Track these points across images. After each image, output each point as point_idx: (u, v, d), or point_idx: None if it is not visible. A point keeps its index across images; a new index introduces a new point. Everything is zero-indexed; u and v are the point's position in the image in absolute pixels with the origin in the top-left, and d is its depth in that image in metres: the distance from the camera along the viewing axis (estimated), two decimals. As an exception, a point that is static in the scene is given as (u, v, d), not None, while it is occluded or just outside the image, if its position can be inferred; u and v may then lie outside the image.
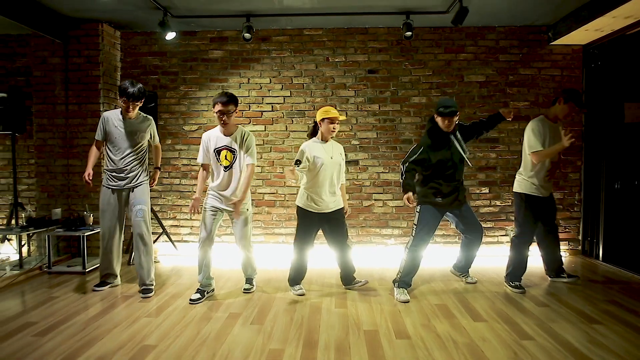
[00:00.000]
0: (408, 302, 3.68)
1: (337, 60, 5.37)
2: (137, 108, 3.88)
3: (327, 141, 3.76)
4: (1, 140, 5.62)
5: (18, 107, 5.17)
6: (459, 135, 3.76)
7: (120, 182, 3.88)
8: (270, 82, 5.43)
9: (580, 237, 5.37)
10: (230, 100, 3.54)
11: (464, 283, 4.22)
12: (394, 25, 5.17)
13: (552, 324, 3.19)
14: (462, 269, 4.28)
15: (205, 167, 3.74)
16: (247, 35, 4.84)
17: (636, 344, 2.86)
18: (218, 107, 3.52)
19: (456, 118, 3.67)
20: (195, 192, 3.83)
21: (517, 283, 3.99)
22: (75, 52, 5.12)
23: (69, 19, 5.01)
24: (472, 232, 3.98)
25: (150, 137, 4.01)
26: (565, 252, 5.32)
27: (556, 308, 3.54)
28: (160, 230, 5.36)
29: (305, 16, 4.90)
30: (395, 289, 3.84)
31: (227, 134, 3.64)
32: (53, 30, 4.93)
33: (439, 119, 3.69)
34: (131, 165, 3.87)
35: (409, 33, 4.74)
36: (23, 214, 5.04)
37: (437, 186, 3.72)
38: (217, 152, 3.64)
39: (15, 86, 5.47)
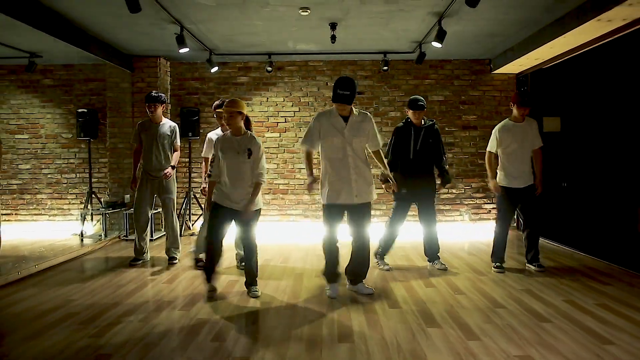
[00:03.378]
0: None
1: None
2: (158, 110, 5.04)
3: (234, 134, 3.77)
4: (78, 144, 7.34)
5: (93, 120, 6.95)
6: (425, 133, 4.51)
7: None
8: (284, 101, 7.22)
9: (515, 217, 7.21)
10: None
11: (434, 268, 4.77)
12: (376, 59, 6.97)
13: (477, 264, 5.02)
14: (430, 257, 4.79)
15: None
16: (269, 68, 6.65)
17: (520, 275, 4.70)
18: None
19: (423, 113, 4.54)
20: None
21: (498, 263, 4.65)
22: (139, 79, 6.88)
23: (135, 55, 6.78)
24: (425, 223, 4.70)
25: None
26: (504, 228, 7.16)
27: (483, 257, 5.36)
28: (200, 212, 7.12)
29: (311, 54, 6.72)
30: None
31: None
32: (123, 63, 6.69)
33: (410, 112, 4.53)
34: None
35: (385, 67, 6.59)
36: (102, 199, 6.79)
37: (402, 180, 4.51)
38: None
39: (90, 104, 7.22)
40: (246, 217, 3.71)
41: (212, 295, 3.87)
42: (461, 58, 7.12)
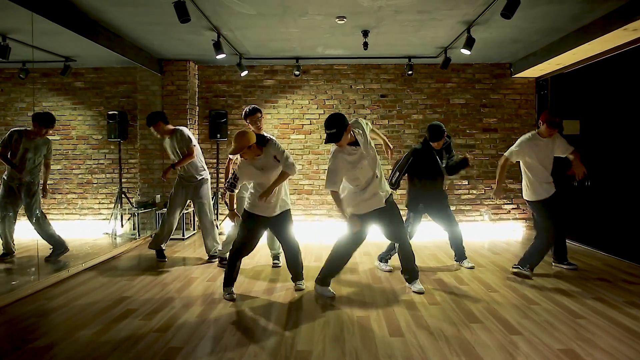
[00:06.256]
0: None
1: (357, 87, 7.36)
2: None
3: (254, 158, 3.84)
4: (108, 145, 7.55)
5: (123, 121, 7.16)
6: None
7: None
8: (309, 103, 7.41)
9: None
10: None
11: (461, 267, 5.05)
12: (400, 63, 7.15)
13: (503, 262, 5.21)
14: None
15: None
16: (297, 72, 6.83)
17: (548, 274, 4.88)
18: None
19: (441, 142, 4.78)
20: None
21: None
22: (169, 82, 7.08)
23: (165, 59, 6.97)
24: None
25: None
26: (523, 227, 7.34)
27: (507, 256, 5.54)
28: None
29: (337, 59, 6.90)
30: None
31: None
32: (154, 66, 6.89)
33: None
34: None
35: (410, 72, 6.76)
36: (132, 199, 6.99)
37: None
38: None
39: (120, 106, 7.42)
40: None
41: (232, 299, 3.89)
42: (483, 62, 7.28)
